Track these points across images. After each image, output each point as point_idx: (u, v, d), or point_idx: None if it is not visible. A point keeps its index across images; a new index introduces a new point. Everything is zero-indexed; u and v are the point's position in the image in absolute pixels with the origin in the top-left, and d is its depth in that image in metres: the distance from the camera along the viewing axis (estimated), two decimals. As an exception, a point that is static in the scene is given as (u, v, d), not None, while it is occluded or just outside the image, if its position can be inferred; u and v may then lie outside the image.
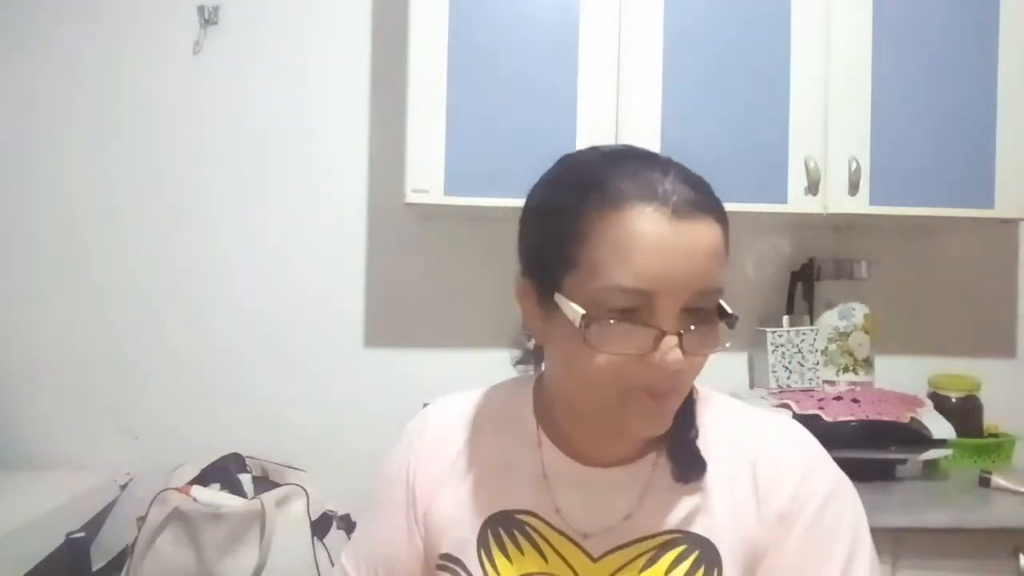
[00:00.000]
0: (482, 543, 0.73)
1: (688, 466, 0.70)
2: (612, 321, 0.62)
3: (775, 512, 0.68)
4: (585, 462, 0.73)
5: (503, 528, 0.73)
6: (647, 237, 0.61)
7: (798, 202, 1.58)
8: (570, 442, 0.74)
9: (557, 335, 0.67)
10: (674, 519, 0.69)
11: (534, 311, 0.70)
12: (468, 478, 0.77)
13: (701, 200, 0.64)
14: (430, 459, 0.79)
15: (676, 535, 0.69)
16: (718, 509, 0.69)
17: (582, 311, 0.63)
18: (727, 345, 0.66)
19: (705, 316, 0.64)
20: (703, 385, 0.77)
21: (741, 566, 0.68)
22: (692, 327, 0.62)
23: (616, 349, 0.62)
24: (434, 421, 0.82)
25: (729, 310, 0.66)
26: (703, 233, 0.62)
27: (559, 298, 0.65)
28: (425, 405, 0.86)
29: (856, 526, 0.69)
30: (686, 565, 0.67)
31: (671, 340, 0.61)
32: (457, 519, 0.75)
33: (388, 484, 0.81)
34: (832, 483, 0.69)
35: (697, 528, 0.69)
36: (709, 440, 0.72)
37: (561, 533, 0.72)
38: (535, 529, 0.72)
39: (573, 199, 0.65)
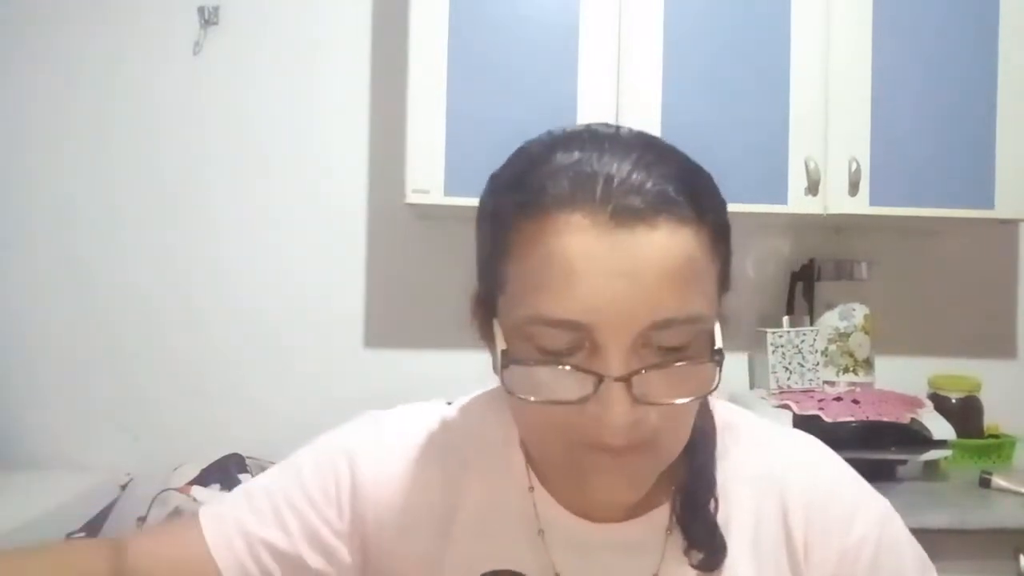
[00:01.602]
0: None
1: (703, 546, 0.57)
2: (534, 364, 0.48)
3: None
4: (585, 515, 0.59)
5: None
6: (575, 255, 0.47)
7: (798, 202, 1.58)
8: (562, 488, 0.60)
9: (503, 380, 0.51)
10: None
11: (485, 331, 0.56)
12: (450, 527, 0.61)
13: (658, 197, 0.47)
14: (387, 493, 0.62)
15: None
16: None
17: (502, 346, 0.50)
18: (708, 387, 0.50)
19: (678, 353, 0.49)
20: (722, 405, 0.64)
21: None
22: (651, 369, 0.47)
23: (541, 397, 0.48)
24: (389, 454, 0.64)
25: (718, 343, 0.50)
26: (657, 244, 0.47)
27: (495, 325, 0.52)
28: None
29: (917, 560, 0.60)
30: None
31: (614, 387, 0.47)
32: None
33: (315, 475, 0.63)
34: (878, 524, 0.59)
35: None
36: (728, 492, 0.59)
37: None
38: None
39: (499, 201, 0.53)
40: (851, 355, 1.76)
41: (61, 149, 1.78)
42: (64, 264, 1.78)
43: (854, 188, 1.57)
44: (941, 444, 1.52)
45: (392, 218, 1.79)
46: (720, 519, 0.58)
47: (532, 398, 0.49)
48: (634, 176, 0.48)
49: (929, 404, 1.63)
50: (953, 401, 1.75)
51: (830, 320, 1.78)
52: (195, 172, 1.80)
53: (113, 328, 1.78)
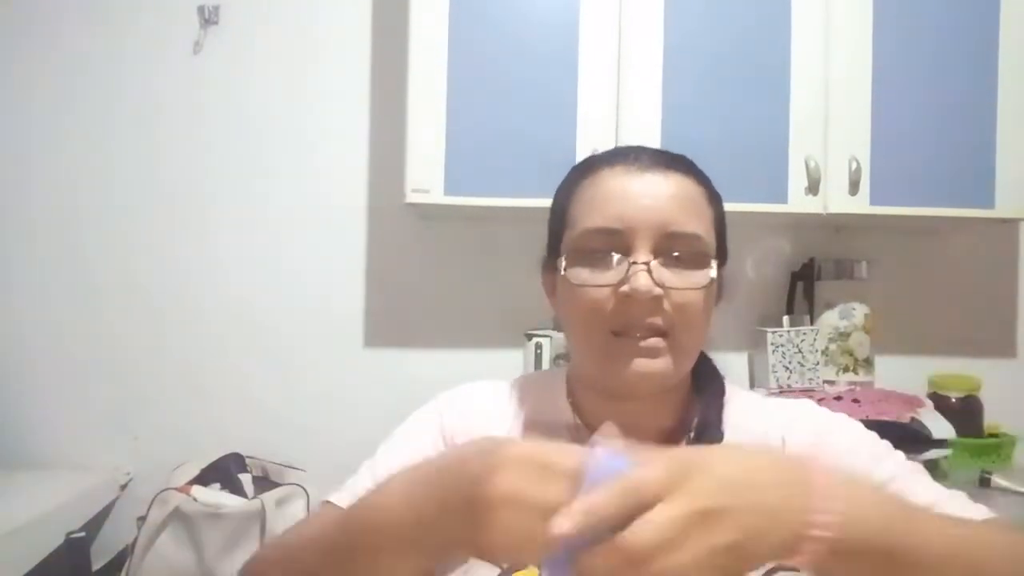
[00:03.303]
0: None
1: None
2: (590, 253, 0.71)
3: None
4: None
5: None
6: (614, 186, 0.72)
7: (798, 202, 1.58)
8: (600, 408, 0.76)
9: (559, 292, 0.75)
10: None
11: (549, 282, 0.79)
12: None
13: (670, 160, 0.74)
14: (464, 431, 0.78)
15: None
16: None
17: (567, 255, 0.73)
18: (706, 283, 0.70)
19: (684, 258, 0.70)
20: (731, 385, 0.81)
21: None
22: (665, 259, 0.69)
23: (593, 282, 0.70)
24: (466, 399, 0.82)
25: (711, 253, 0.72)
26: (669, 181, 0.72)
27: (560, 260, 0.74)
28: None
29: (882, 447, 0.79)
30: None
31: (639, 267, 0.68)
32: None
33: (417, 429, 0.80)
34: (851, 440, 0.77)
35: None
36: (736, 435, 0.74)
37: None
38: None
39: (569, 175, 0.79)
40: (851, 354, 1.76)
41: (61, 149, 1.78)
42: (64, 264, 1.78)
43: (854, 187, 1.57)
44: (941, 443, 1.52)
45: (392, 218, 1.79)
46: None
47: (587, 283, 0.70)
48: (651, 153, 0.75)
49: (929, 403, 1.63)
50: (953, 400, 1.74)
51: (830, 319, 1.78)
52: (195, 172, 1.80)
53: (113, 328, 1.78)
